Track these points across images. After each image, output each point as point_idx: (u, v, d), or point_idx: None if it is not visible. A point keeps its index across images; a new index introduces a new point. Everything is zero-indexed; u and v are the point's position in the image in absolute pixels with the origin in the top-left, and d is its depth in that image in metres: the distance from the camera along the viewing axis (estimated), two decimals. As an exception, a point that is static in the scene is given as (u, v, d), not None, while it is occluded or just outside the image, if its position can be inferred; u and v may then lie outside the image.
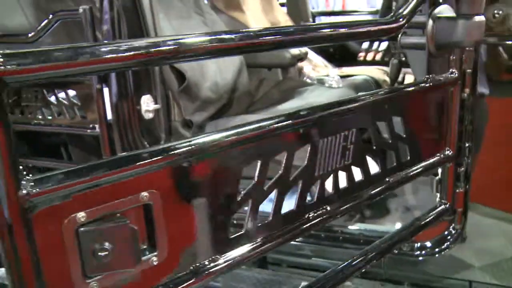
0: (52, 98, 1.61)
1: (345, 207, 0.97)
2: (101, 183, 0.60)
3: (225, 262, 0.75)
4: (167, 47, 0.66)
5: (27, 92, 1.64)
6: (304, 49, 2.19)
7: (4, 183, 0.54)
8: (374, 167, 1.05)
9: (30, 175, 0.57)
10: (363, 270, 1.06)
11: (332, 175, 0.92)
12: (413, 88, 1.18)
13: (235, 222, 0.77)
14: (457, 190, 1.28)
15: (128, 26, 1.45)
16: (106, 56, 0.60)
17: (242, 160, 0.76)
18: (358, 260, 1.05)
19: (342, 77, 2.42)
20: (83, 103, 1.56)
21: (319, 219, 0.90)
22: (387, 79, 2.55)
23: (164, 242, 0.67)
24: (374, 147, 1.03)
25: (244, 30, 0.81)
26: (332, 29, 0.94)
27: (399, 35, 1.34)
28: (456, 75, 1.19)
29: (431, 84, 1.17)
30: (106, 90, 1.46)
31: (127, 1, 1.45)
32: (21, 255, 0.56)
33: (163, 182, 0.66)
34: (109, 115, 1.46)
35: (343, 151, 0.93)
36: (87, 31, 1.40)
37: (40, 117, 1.63)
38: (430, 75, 1.18)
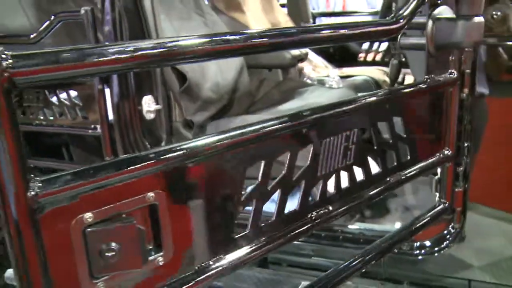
0: (54, 99, 1.61)
1: (346, 207, 0.98)
2: (108, 184, 0.60)
3: (229, 262, 0.76)
4: (181, 48, 0.66)
5: (28, 93, 1.64)
6: (305, 50, 2.20)
7: (13, 184, 0.54)
8: (373, 167, 1.06)
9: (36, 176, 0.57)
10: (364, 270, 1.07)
11: (332, 175, 0.93)
12: (412, 88, 1.19)
13: (238, 222, 0.78)
14: (456, 190, 1.28)
15: (130, 27, 1.45)
16: (115, 57, 0.61)
17: (246, 160, 0.77)
18: (359, 260, 1.05)
19: (342, 77, 2.44)
20: (84, 104, 1.56)
21: (321, 219, 0.90)
22: (387, 79, 2.56)
23: (169, 242, 0.67)
24: (375, 147, 1.04)
25: (245, 31, 0.81)
26: (334, 30, 0.95)
27: (399, 36, 1.34)
28: (455, 75, 1.20)
29: (430, 84, 1.18)
30: (107, 91, 1.46)
31: (128, 2, 1.46)
32: (29, 255, 0.56)
33: (168, 182, 0.67)
34: (111, 116, 1.47)
35: (344, 152, 0.94)
36: (89, 32, 1.40)
37: (41, 117, 1.64)
38: (430, 76, 1.19)
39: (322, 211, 0.91)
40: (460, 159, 1.26)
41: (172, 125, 1.68)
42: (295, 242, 1.60)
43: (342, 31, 0.97)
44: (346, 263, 1.03)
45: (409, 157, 1.13)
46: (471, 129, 1.24)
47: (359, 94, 1.95)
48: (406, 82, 2.44)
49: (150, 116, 1.53)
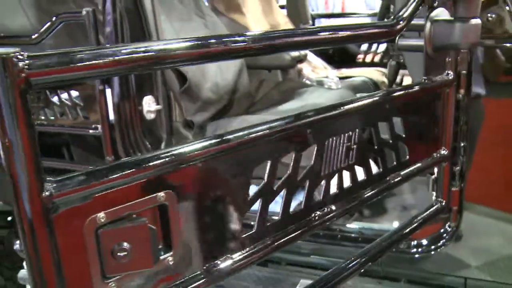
0: (55, 99, 1.61)
1: (347, 206, 0.99)
2: (121, 184, 0.61)
3: (237, 261, 0.76)
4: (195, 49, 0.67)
5: (30, 93, 1.64)
6: (304, 51, 2.21)
7: (28, 184, 0.54)
8: (372, 167, 1.07)
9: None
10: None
11: (330, 177, 0.94)
12: (410, 89, 1.20)
13: (244, 222, 0.79)
14: (453, 189, 1.29)
15: (131, 28, 1.46)
16: (128, 57, 0.61)
17: (253, 160, 0.77)
18: (359, 259, 1.06)
19: (341, 78, 2.45)
20: (85, 104, 1.57)
21: (324, 218, 0.91)
22: (385, 80, 2.57)
23: (179, 242, 0.68)
24: (373, 148, 1.05)
25: (245, 33, 0.81)
26: (337, 32, 0.96)
27: (397, 38, 1.36)
28: (452, 76, 1.21)
29: (427, 85, 1.20)
30: (108, 91, 1.47)
31: (129, 3, 1.47)
32: (42, 255, 0.56)
33: (179, 182, 0.67)
34: (111, 116, 1.48)
35: (345, 152, 0.95)
36: (90, 33, 1.41)
37: (43, 117, 1.64)
38: (427, 77, 1.20)
39: (325, 211, 0.92)
40: (457, 159, 1.27)
41: (172, 125, 1.68)
42: (294, 241, 1.62)
43: (345, 33, 0.98)
44: (347, 262, 1.04)
45: (407, 157, 1.14)
46: (468, 129, 1.25)
47: (358, 95, 1.98)
48: (404, 83, 2.46)
49: (150, 116, 1.54)
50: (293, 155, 0.84)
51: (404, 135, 1.13)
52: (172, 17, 1.84)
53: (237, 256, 0.77)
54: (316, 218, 0.91)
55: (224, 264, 0.75)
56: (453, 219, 1.34)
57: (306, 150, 0.87)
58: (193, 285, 0.72)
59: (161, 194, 0.65)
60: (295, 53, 2.12)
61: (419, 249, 1.46)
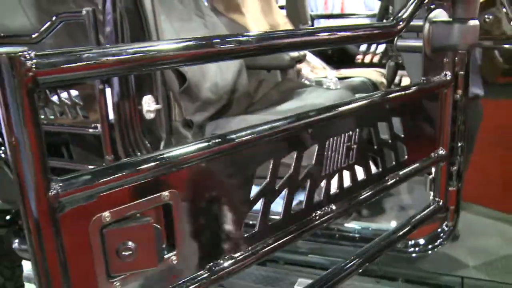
0: (54, 98, 1.61)
1: (347, 206, 1.00)
2: (126, 183, 0.61)
3: (240, 260, 0.77)
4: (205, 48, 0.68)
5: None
6: (303, 51, 2.22)
7: (35, 183, 0.54)
8: (371, 167, 1.08)
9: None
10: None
11: (330, 176, 0.94)
12: (409, 90, 1.21)
13: (247, 221, 0.80)
14: (450, 189, 1.30)
15: (131, 28, 1.46)
16: (136, 57, 0.62)
17: (256, 160, 0.78)
18: (357, 259, 1.07)
19: (340, 78, 2.46)
20: (85, 103, 1.57)
21: (324, 218, 0.92)
22: (384, 81, 2.59)
23: (182, 241, 0.68)
24: (373, 148, 1.06)
25: (245, 33, 0.81)
26: (334, 33, 0.96)
27: (395, 38, 1.37)
28: (450, 77, 1.22)
29: (425, 86, 1.20)
30: (108, 91, 1.47)
31: (129, 3, 1.47)
32: (48, 254, 0.57)
33: (183, 182, 0.68)
34: (111, 115, 1.48)
35: (345, 152, 0.96)
36: (90, 33, 1.41)
37: (42, 116, 1.64)
38: (425, 77, 1.21)
39: (325, 210, 0.93)
40: (454, 159, 1.27)
41: (172, 125, 1.69)
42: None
43: (344, 34, 0.99)
44: (345, 262, 1.05)
45: (406, 157, 1.15)
46: (465, 130, 1.26)
47: (357, 96, 1.99)
48: (402, 84, 2.47)
49: (150, 115, 1.54)
50: (294, 155, 0.85)
51: (402, 135, 1.14)
52: (172, 17, 1.85)
53: (239, 255, 0.77)
54: (317, 217, 0.91)
55: (226, 263, 0.76)
56: (450, 219, 1.35)
57: (306, 150, 0.88)
58: (196, 284, 0.72)
59: (165, 193, 0.65)
60: (294, 54, 2.13)
61: (417, 249, 1.47)
